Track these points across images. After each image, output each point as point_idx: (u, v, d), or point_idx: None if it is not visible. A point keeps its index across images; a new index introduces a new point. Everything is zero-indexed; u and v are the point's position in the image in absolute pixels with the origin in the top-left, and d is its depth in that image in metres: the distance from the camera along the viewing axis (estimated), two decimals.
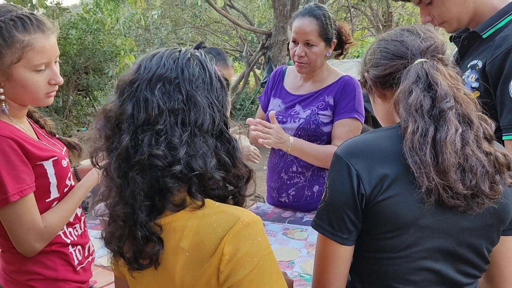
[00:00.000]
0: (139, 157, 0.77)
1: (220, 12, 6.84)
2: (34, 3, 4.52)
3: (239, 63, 16.05)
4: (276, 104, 1.89)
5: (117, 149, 0.79)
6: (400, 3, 8.08)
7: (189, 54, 0.86)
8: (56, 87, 1.22)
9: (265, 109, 1.96)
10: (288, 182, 1.84)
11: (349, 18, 9.71)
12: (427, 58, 0.94)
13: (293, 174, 1.83)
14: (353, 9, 9.74)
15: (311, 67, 1.76)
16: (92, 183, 1.35)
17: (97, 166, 0.86)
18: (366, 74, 1.05)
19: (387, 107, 1.03)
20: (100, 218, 0.91)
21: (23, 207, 1.12)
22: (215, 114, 0.82)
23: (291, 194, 1.85)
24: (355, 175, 0.90)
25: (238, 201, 0.87)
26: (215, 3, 6.32)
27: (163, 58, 0.83)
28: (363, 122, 1.78)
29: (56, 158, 1.22)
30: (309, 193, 1.83)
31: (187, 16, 11.52)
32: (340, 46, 1.83)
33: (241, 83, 9.47)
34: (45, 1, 4.57)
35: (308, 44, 1.71)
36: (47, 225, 1.18)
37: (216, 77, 0.86)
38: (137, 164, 0.77)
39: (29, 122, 1.29)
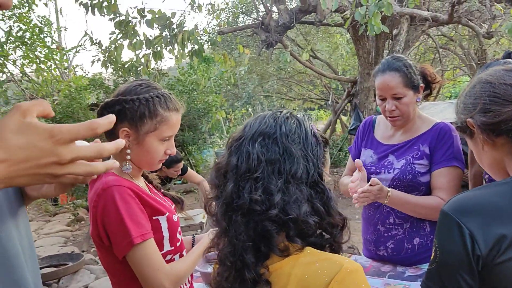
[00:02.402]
0: (240, 202, 0.86)
1: (305, 64, 7.04)
2: (139, 71, 5.05)
3: (325, 111, 16.12)
4: (368, 155, 1.86)
5: (223, 195, 0.90)
6: (493, 40, 7.65)
7: (288, 113, 0.97)
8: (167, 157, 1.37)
9: (356, 159, 1.95)
10: (385, 234, 1.77)
11: (438, 59, 9.38)
12: None
13: (391, 226, 1.76)
14: (441, 49, 9.41)
15: (404, 118, 1.72)
16: (205, 246, 1.43)
17: (209, 213, 0.96)
18: (470, 120, 0.99)
19: (496, 155, 0.96)
20: (201, 271, 0.98)
21: (147, 250, 1.21)
22: (309, 165, 0.90)
23: (390, 247, 1.77)
24: (468, 235, 0.85)
25: (335, 249, 0.91)
26: (300, 57, 6.53)
27: (266, 117, 0.95)
28: (464, 170, 1.69)
29: (168, 213, 1.34)
30: (410, 246, 1.74)
31: (272, 69, 11.99)
32: (428, 87, 1.79)
33: (328, 131, 9.46)
34: (148, 69, 5.09)
35: (396, 97, 1.68)
36: (173, 268, 1.26)
37: (311, 133, 0.95)
38: (239, 209, 0.86)
39: (144, 181, 1.44)
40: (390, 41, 6.85)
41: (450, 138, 1.69)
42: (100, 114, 1.30)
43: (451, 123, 1.67)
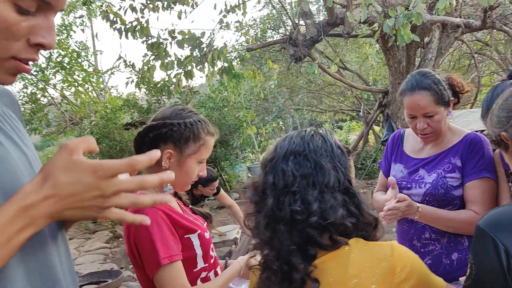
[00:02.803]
0: (282, 214, 0.97)
1: (334, 76, 7.01)
2: (171, 91, 5.19)
3: (357, 122, 15.92)
4: (398, 170, 1.83)
5: (264, 210, 1.01)
6: None
7: (313, 131, 1.08)
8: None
9: (387, 174, 1.91)
10: (422, 250, 1.73)
11: (474, 65, 9.12)
12: None
13: (427, 241, 1.72)
14: (476, 54, 9.16)
15: (436, 134, 1.69)
16: (237, 270, 1.46)
17: (248, 227, 1.07)
18: (504, 133, 0.99)
19: None
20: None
21: (174, 272, 1.25)
22: (339, 174, 1.01)
23: (427, 263, 1.72)
24: (503, 251, 0.84)
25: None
26: (329, 69, 6.52)
27: (293, 137, 1.06)
28: (496, 181, 1.63)
29: (200, 231, 1.37)
30: (448, 262, 1.69)
31: (302, 82, 11.99)
32: (455, 96, 1.74)
33: (361, 142, 9.33)
34: (179, 88, 5.22)
35: (427, 116, 1.64)
36: None
37: (336, 146, 1.06)
38: (282, 220, 0.97)
39: (175, 200, 1.48)
40: (422, 49, 6.73)
41: (480, 149, 1.64)
42: (145, 136, 1.38)
43: (484, 134, 1.63)
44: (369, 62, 10.06)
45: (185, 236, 1.33)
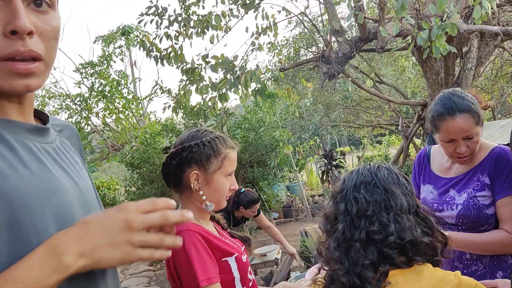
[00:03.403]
0: (358, 235, 1.07)
1: (369, 92, 6.91)
2: (206, 114, 5.28)
3: (396, 136, 15.55)
4: (427, 191, 1.76)
5: (335, 233, 1.11)
6: None
7: (377, 165, 1.20)
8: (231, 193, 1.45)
9: (417, 196, 1.85)
10: (465, 271, 1.64)
11: None
12: None
13: (469, 262, 1.64)
14: None
15: (473, 155, 1.63)
16: None
17: (320, 254, 1.17)
18: None
19: None
20: None
21: None
22: (408, 199, 1.12)
23: None
24: None
25: (438, 265, 1.11)
26: (364, 84, 6.44)
27: (360, 170, 1.19)
28: None
29: (237, 254, 1.38)
30: None
31: (338, 98, 11.89)
32: None
33: (401, 156, 9.08)
34: (215, 111, 5.30)
35: (467, 138, 1.57)
36: None
37: (400, 175, 1.18)
38: (358, 241, 1.07)
39: (212, 224, 1.50)
40: (461, 59, 6.54)
41: (508, 163, 1.56)
42: (169, 164, 1.41)
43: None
44: (406, 75, 9.86)
45: (222, 259, 1.35)
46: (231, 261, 1.36)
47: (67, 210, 0.70)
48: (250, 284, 1.42)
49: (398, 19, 4.14)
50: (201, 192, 1.40)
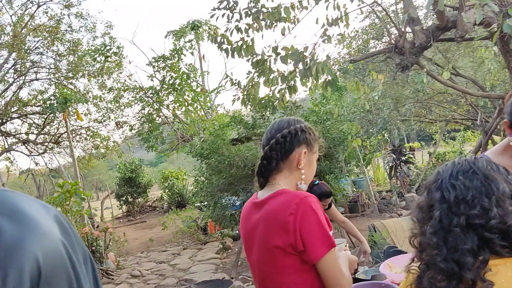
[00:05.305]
0: (457, 221, 1.04)
1: (446, 84, 6.55)
2: (275, 105, 5.31)
3: (472, 132, 14.64)
4: None
5: (430, 221, 1.10)
6: None
7: (473, 157, 1.18)
8: None
9: None
10: None
11: None
12: None
13: None
14: None
15: None
16: (354, 259, 1.62)
17: (413, 246, 1.16)
18: None
19: None
20: None
21: (335, 255, 1.37)
22: (509, 185, 1.08)
23: None
24: None
25: None
26: (440, 76, 6.12)
27: (455, 161, 1.17)
28: None
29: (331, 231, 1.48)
30: None
31: (409, 92, 11.42)
32: None
33: (479, 153, 8.55)
34: (283, 103, 5.31)
35: None
36: (348, 276, 1.42)
37: (500, 166, 1.14)
38: (457, 226, 1.03)
39: None
40: None
41: None
42: (282, 142, 1.52)
43: None
44: (485, 67, 9.24)
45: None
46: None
47: None
48: None
49: (480, 6, 3.88)
50: (302, 171, 1.52)
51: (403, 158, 11.12)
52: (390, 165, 11.36)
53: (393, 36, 6.90)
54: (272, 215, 1.40)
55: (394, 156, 11.23)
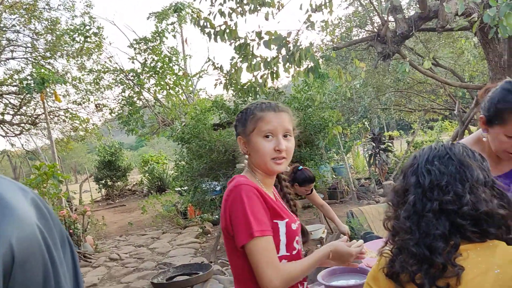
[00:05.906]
0: (430, 206, 1.05)
1: (426, 74, 6.64)
2: (257, 91, 5.30)
3: (450, 122, 14.92)
4: None
5: (404, 205, 1.11)
6: None
7: (450, 142, 1.18)
8: (283, 155, 1.47)
9: None
10: None
11: None
12: None
13: None
14: None
15: None
16: (326, 253, 1.47)
17: (386, 228, 1.17)
18: None
19: None
20: (327, 284, 1.49)
21: (264, 244, 1.32)
22: (483, 172, 1.09)
23: None
24: None
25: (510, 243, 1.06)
26: (421, 66, 6.20)
27: (432, 146, 1.17)
28: None
29: (288, 220, 1.43)
30: None
31: (389, 81, 11.53)
32: None
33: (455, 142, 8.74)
34: (265, 88, 5.31)
35: None
36: (285, 267, 1.36)
37: (476, 152, 1.15)
38: (430, 211, 1.05)
39: (273, 191, 1.57)
40: None
41: None
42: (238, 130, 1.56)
43: None
44: (464, 57, 9.39)
45: (273, 220, 1.41)
46: (281, 224, 1.42)
47: None
48: (295, 252, 1.47)
49: None
50: (246, 156, 1.51)
51: (382, 147, 11.28)
52: (370, 153, 11.51)
53: (375, 24, 6.93)
54: (222, 199, 1.45)
55: (374, 144, 11.39)
